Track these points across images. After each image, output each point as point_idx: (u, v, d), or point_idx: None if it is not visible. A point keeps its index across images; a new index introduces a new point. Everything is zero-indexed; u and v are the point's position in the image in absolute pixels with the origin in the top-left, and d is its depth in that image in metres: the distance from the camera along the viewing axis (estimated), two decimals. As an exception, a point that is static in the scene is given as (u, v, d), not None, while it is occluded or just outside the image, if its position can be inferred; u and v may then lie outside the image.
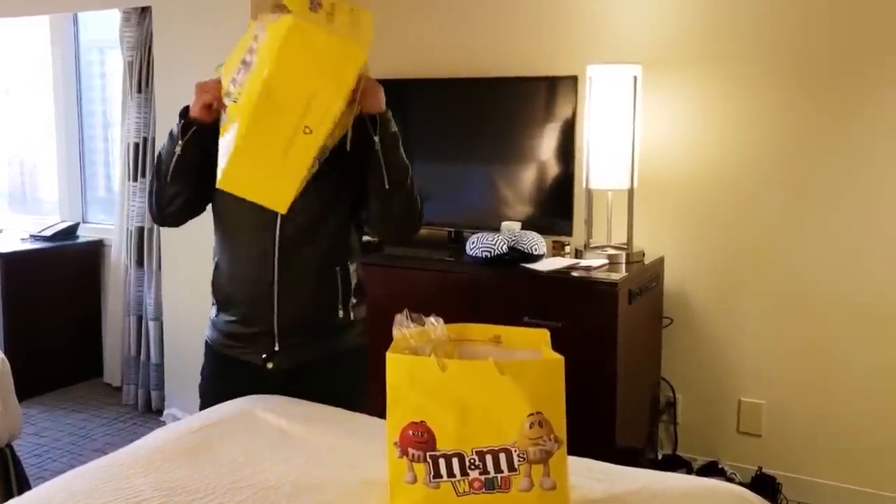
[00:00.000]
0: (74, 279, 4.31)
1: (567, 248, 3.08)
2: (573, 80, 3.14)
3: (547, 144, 3.22)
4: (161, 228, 3.76)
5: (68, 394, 4.19)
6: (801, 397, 3.02)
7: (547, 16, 3.28)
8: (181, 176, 1.88)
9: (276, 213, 1.82)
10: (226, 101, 1.75)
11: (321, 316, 1.96)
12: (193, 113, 1.83)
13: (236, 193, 1.69)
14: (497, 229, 3.09)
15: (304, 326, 1.95)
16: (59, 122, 4.49)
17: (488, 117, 3.30)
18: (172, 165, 1.86)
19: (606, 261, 2.93)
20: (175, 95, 3.59)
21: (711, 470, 3.01)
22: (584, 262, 2.92)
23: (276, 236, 1.89)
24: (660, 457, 3.20)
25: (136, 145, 3.89)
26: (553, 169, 3.22)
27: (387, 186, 1.84)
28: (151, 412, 3.93)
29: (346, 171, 1.88)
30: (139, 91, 3.84)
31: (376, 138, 1.81)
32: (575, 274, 2.81)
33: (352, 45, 1.63)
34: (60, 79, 4.44)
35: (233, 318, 1.97)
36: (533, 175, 3.25)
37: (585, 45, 3.19)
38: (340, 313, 1.96)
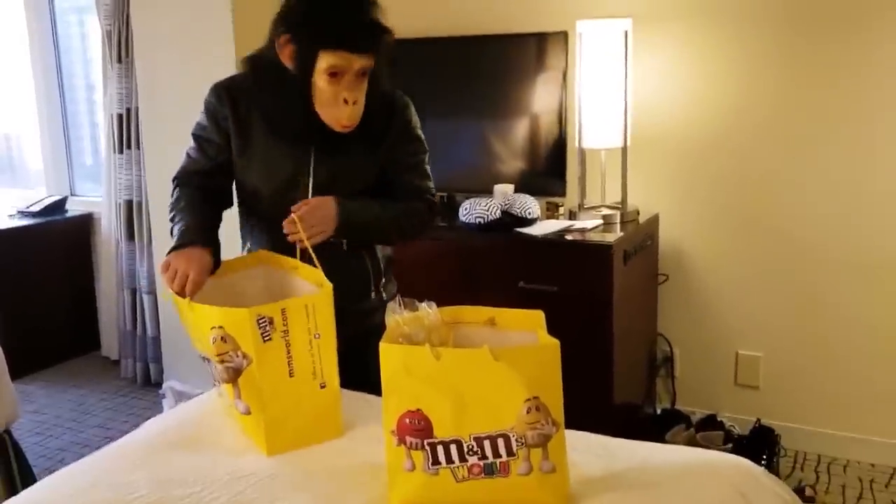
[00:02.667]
0: (66, 254, 4.28)
1: (561, 210, 3.05)
2: (563, 37, 3.08)
3: (539, 104, 3.17)
4: (149, 202, 3.71)
5: (67, 369, 4.19)
6: (797, 349, 3.03)
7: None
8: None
9: (297, 200, 1.78)
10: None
11: (353, 302, 1.90)
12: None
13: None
14: (490, 192, 3.05)
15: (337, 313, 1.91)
16: (38, 90, 4.40)
17: (478, 76, 3.24)
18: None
19: (601, 221, 2.90)
20: (156, 66, 3.53)
21: (710, 423, 3.03)
22: (578, 224, 2.89)
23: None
24: (658, 411, 3.22)
25: (120, 116, 3.82)
26: (545, 129, 3.17)
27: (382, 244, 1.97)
28: (151, 385, 3.93)
29: (372, 159, 1.85)
30: (119, 61, 3.75)
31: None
32: (569, 237, 2.79)
33: None
34: (37, 46, 4.34)
35: None
36: (525, 135, 3.20)
37: (575, 0, 3.11)
38: (373, 295, 1.95)
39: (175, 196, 1.89)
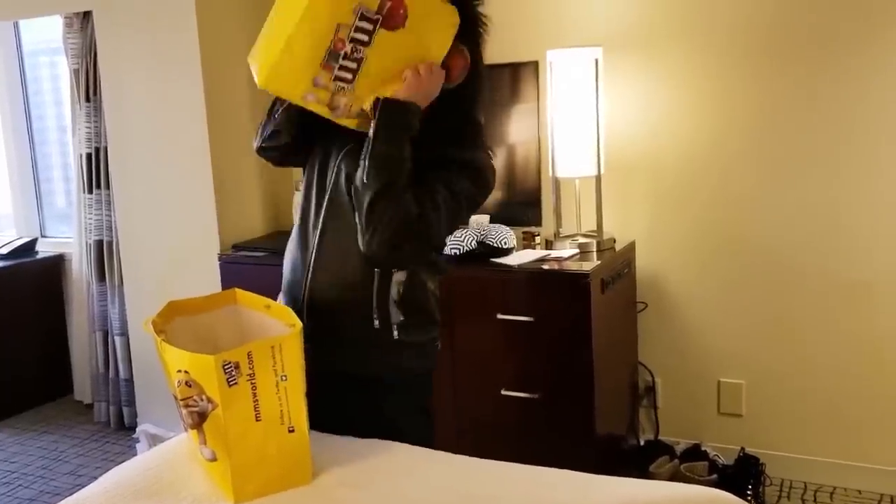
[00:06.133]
0: (36, 296, 4.19)
1: (537, 239, 3.03)
2: (534, 66, 3.07)
3: (513, 134, 3.16)
4: (119, 242, 3.66)
5: (39, 414, 4.08)
6: (780, 375, 3.00)
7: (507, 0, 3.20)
8: (285, 118, 1.79)
9: (324, 205, 1.76)
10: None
11: (351, 325, 1.76)
12: None
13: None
14: (465, 224, 3.02)
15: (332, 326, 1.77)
16: (6, 132, 4.34)
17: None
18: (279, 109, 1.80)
19: (577, 250, 2.87)
20: (124, 104, 3.49)
21: (694, 453, 2.99)
22: (554, 253, 2.86)
23: (319, 227, 1.79)
24: (642, 442, 3.18)
25: (89, 155, 3.77)
26: (520, 158, 3.16)
27: (364, 181, 1.62)
28: (124, 429, 3.84)
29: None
30: (87, 100, 3.71)
31: (373, 122, 1.64)
32: (546, 266, 2.76)
33: None
34: (5, 86, 4.29)
35: None
36: (500, 166, 3.18)
37: (546, 30, 3.12)
38: (376, 323, 1.74)
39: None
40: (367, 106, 1.66)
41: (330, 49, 1.60)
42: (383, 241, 1.63)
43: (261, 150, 1.90)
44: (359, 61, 1.62)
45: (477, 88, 1.80)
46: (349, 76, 1.63)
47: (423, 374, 1.86)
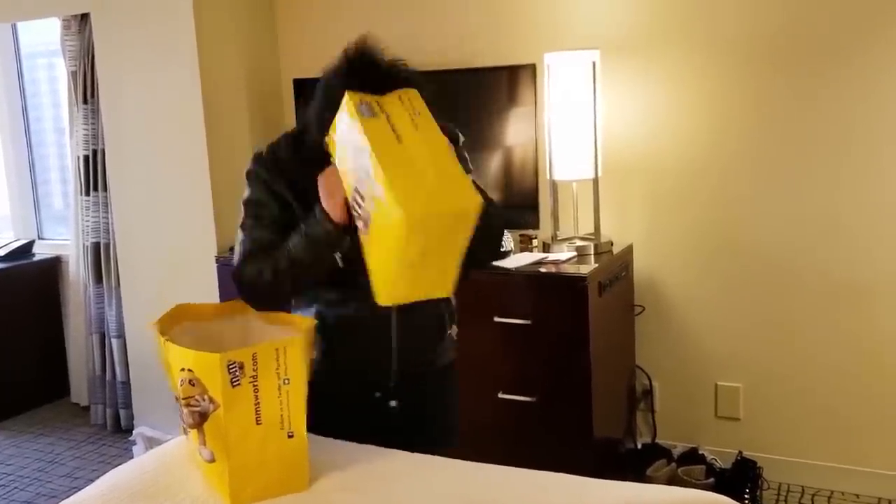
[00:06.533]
0: (33, 298, 4.18)
1: (535, 242, 3.03)
2: (532, 69, 3.08)
3: (511, 137, 3.16)
4: (117, 244, 3.65)
5: (35, 417, 4.07)
6: (777, 378, 3.00)
7: (504, 3, 3.20)
8: (308, 281, 1.73)
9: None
10: (356, 208, 1.56)
11: (429, 346, 1.89)
12: (338, 217, 1.59)
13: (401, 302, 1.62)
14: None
15: (411, 357, 1.86)
16: (3, 134, 4.33)
17: (448, 111, 3.21)
18: (310, 273, 1.68)
19: (575, 253, 2.87)
20: (122, 107, 3.49)
21: (692, 457, 2.99)
22: (552, 256, 2.86)
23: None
24: (639, 446, 3.17)
25: (87, 158, 3.76)
26: (517, 161, 3.16)
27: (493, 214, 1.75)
28: (121, 431, 3.83)
29: None
30: (85, 102, 3.70)
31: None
32: (543, 269, 2.76)
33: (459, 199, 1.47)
34: (3, 88, 4.28)
35: None
36: (498, 168, 3.19)
37: (544, 33, 3.12)
38: (448, 333, 1.92)
39: (257, 265, 1.69)
40: None
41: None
42: (494, 250, 1.92)
43: (259, 305, 1.74)
44: None
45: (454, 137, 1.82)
46: None
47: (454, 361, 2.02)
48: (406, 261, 1.46)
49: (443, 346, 1.90)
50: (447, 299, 1.87)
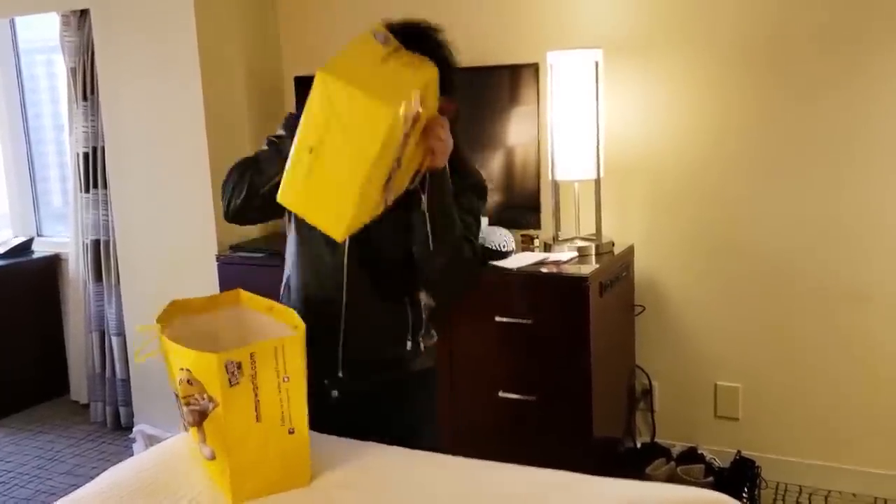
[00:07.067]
0: (33, 296, 4.17)
1: (536, 242, 3.03)
2: (534, 69, 3.07)
3: (513, 136, 3.16)
4: (116, 242, 3.65)
5: (35, 414, 4.07)
6: (776, 379, 3.00)
7: (507, 2, 3.20)
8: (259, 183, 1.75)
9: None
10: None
11: (387, 349, 1.88)
12: None
13: (295, 210, 1.63)
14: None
15: (369, 360, 1.88)
16: (2, 130, 4.32)
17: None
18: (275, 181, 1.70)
19: (576, 254, 2.87)
20: (121, 103, 3.49)
21: (691, 456, 2.99)
22: (553, 257, 2.86)
23: (345, 261, 1.80)
24: (639, 445, 3.18)
25: (86, 154, 3.75)
26: (519, 161, 3.16)
27: (433, 249, 1.72)
28: (121, 429, 3.83)
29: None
30: (85, 99, 3.70)
31: (424, 197, 1.70)
32: (544, 270, 2.76)
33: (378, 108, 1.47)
34: (1, 85, 4.27)
35: None
36: (500, 168, 3.18)
37: (546, 32, 3.12)
38: (408, 345, 1.88)
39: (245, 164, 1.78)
40: (408, 185, 1.68)
41: (388, 177, 1.57)
42: (455, 293, 1.98)
43: (240, 220, 1.83)
44: (398, 166, 1.61)
45: (458, 117, 1.84)
46: (390, 179, 1.62)
47: (432, 369, 1.99)
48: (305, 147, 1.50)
49: (407, 352, 1.88)
50: (416, 311, 1.87)
